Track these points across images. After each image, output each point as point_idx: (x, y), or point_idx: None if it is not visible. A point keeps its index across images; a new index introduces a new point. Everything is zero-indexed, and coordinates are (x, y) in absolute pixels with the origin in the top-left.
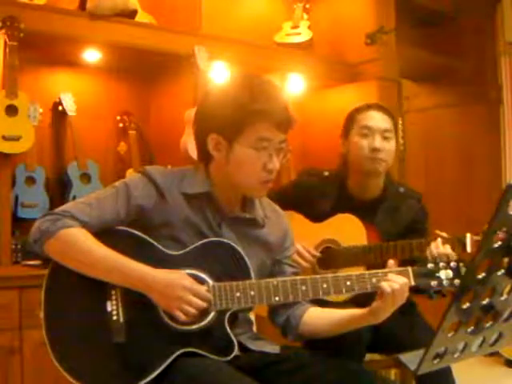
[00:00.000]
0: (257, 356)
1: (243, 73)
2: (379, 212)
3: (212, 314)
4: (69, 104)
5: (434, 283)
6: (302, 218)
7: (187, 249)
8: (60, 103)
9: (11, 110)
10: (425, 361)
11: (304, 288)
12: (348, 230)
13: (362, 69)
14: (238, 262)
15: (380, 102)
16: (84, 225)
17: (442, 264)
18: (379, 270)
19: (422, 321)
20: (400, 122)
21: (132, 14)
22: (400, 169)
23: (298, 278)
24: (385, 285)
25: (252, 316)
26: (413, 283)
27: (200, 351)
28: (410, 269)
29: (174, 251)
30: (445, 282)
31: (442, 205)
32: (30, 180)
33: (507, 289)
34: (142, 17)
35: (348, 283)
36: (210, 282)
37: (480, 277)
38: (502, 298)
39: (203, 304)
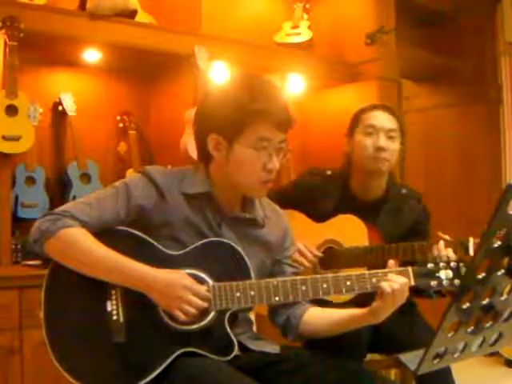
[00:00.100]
0: (257, 356)
1: (243, 73)
2: (381, 213)
3: (212, 314)
4: (69, 104)
5: (433, 283)
6: (304, 217)
7: (187, 249)
8: (60, 103)
9: (11, 110)
10: (425, 361)
11: (304, 288)
12: (350, 230)
13: (362, 69)
14: (238, 261)
15: (380, 102)
16: (84, 225)
17: (441, 264)
18: (379, 270)
19: (422, 321)
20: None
21: (132, 14)
22: (400, 169)
23: (298, 278)
24: (385, 285)
25: (252, 316)
26: (413, 283)
27: (200, 351)
28: (409, 269)
29: (174, 251)
30: (445, 282)
31: (442, 205)
32: (30, 180)
33: (507, 289)
34: (142, 17)
35: (348, 283)
36: (210, 281)
37: (480, 277)
38: (502, 298)
39: (203, 304)
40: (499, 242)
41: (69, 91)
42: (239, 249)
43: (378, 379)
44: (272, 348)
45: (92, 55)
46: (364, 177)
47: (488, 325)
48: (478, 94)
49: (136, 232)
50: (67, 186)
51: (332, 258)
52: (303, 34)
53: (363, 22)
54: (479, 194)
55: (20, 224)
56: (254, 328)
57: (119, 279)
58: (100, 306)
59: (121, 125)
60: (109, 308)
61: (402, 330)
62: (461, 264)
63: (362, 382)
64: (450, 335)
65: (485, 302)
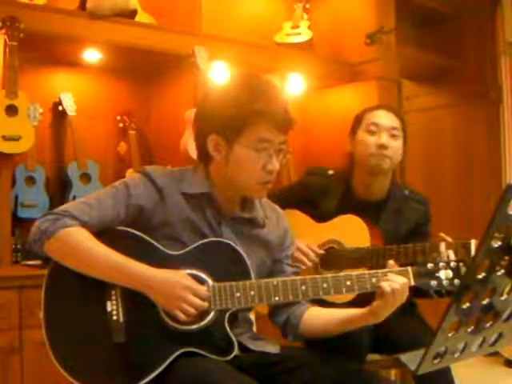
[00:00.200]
0: (257, 356)
1: (243, 73)
2: (383, 214)
3: (212, 314)
4: (69, 104)
5: (433, 283)
6: (305, 217)
7: (187, 249)
8: (60, 103)
9: (11, 110)
10: (425, 361)
11: (304, 288)
12: (351, 231)
13: (362, 69)
14: (238, 261)
15: (380, 102)
16: (84, 224)
17: (441, 264)
18: (379, 270)
19: (422, 321)
20: None
21: (132, 14)
22: (400, 169)
23: (298, 277)
24: (385, 285)
25: (252, 316)
26: (413, 283)
27: (200, 351)
28: (409, 269)
29: (174, 251)
30: (445, 282)
31: (442, 205)
32: (30, 180)
33: (507, 289)
34: (141, 17)
35: (348, 283)
36: (210, 281)
37: (480, 277)
38: (502, 298)
39: (203, 304)
40: (499, 242)
41: (69, 91)
42: (239, 249)
43: (378, 379)
44: (272, 348)
45: (92, 55)
46: (366, 176)
47: (488, 325)
48: (478, 94)
49: (136, 232)
50: (67, 185)
51: (333, 258)
52: (303, 34)
53: (363, 22)
54: (479, 193)
55: (20, 224)
56: (254, 328)
57: (119, 279)
58: (100, 306)
59: (121, 125)
60: (109, 308)
61: (401, 330)
62: (461, 264)
63: (362, 382)
64: (450, 335)
65: (485, 302)
